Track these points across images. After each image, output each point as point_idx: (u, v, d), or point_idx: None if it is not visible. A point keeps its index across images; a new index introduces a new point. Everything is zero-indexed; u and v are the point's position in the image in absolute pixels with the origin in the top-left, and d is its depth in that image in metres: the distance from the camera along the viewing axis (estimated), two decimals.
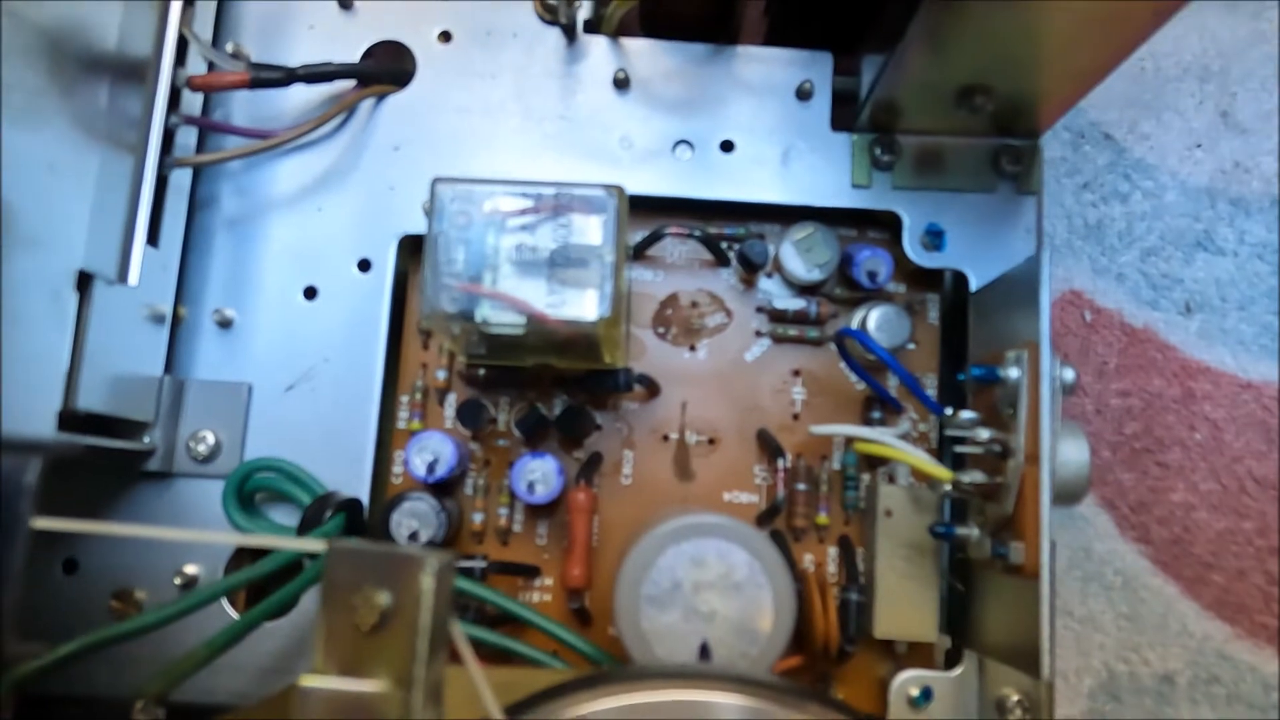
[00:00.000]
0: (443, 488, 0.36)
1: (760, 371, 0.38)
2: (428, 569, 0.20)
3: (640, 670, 0.26)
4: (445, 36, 0.38)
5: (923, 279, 0.38)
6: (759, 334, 0.38)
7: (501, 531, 0.37)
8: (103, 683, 0.34)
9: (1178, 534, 0.42)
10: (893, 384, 0.38)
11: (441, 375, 0.38)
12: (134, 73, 0.32)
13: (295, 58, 0.37)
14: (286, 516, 0.35)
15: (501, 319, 0.30)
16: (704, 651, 0.30)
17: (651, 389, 0.37)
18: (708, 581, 0.31)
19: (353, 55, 0.38)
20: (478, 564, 0.35)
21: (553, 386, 0.37)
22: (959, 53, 0.31)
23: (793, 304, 0.38)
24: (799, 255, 0.37)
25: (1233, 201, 0.44)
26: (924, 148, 0.37)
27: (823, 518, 0.37)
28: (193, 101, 0.36)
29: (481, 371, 0.37)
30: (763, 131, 0.37)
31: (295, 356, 0.36)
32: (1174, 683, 0.41)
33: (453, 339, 0.32)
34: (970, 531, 0.33)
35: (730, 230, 0.38)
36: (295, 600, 0.33)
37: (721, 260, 0.38)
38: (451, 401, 0.38)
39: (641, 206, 0.37)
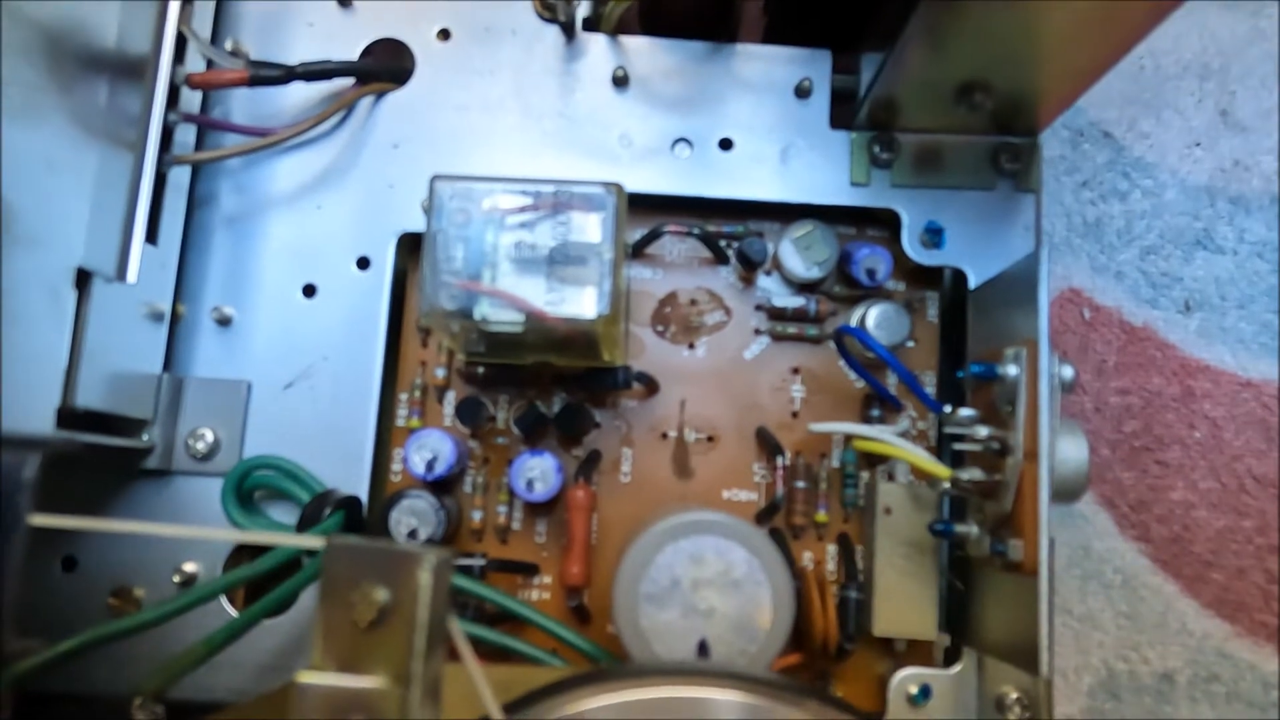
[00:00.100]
0: (442, 485, 0.36)
1: (759, 369, 0.38)
2: (425, 565, 0.20)
3: (639, 668, 0.26)
4: (444, 34, 0.38)
5: (922, 277, 0.38)
6: (758, 332, 0.38)
7: (500, 529, 0.37)
8: (101, 680, 0.34)
9: (1177, 532, 0.42)
10: (892, 381, 0.38)
11: (440, 373, 0.38)
12: (133, 70, 0.32)
13: (294, 55, 0.37)
14: (285, 514, 0.35)
15: (500, 316, 0.30)
16: (702, 649, 0.30)
17: (650, 387, 0.37)
18: (706, 579, 0.31)
19: (352, 53, 0.38)
20: (477, 562, 0.35)
21: (552, 384, 0.37)
22: (958, 50, 0.31)
23: (792, 302, 0.38)
24: (798, 253, 0.37)
25: (1232, 200, 0.44)
26: (923, 145, 0.37)
27: (822, 515, 0.37)
28: (191, 99, 0.36)
29: (480, 369, 0.37)
30: (762, 129, 0.37)
31: (294, 354, 0.36)
32: (1173, 681, 0.41)
33: (452, 337, 0.32)
34: (969, 529, 0.33)
35: (729, 228, 0.38)
36: (294, 597, 0.33)
37: (720, 258, 0.38)
38: (450, 399, 0.38)
39: (640, 204, 0.37)
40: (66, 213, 0.29)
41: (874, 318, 0.36)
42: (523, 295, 0.29)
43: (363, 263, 0.37)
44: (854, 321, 0.37)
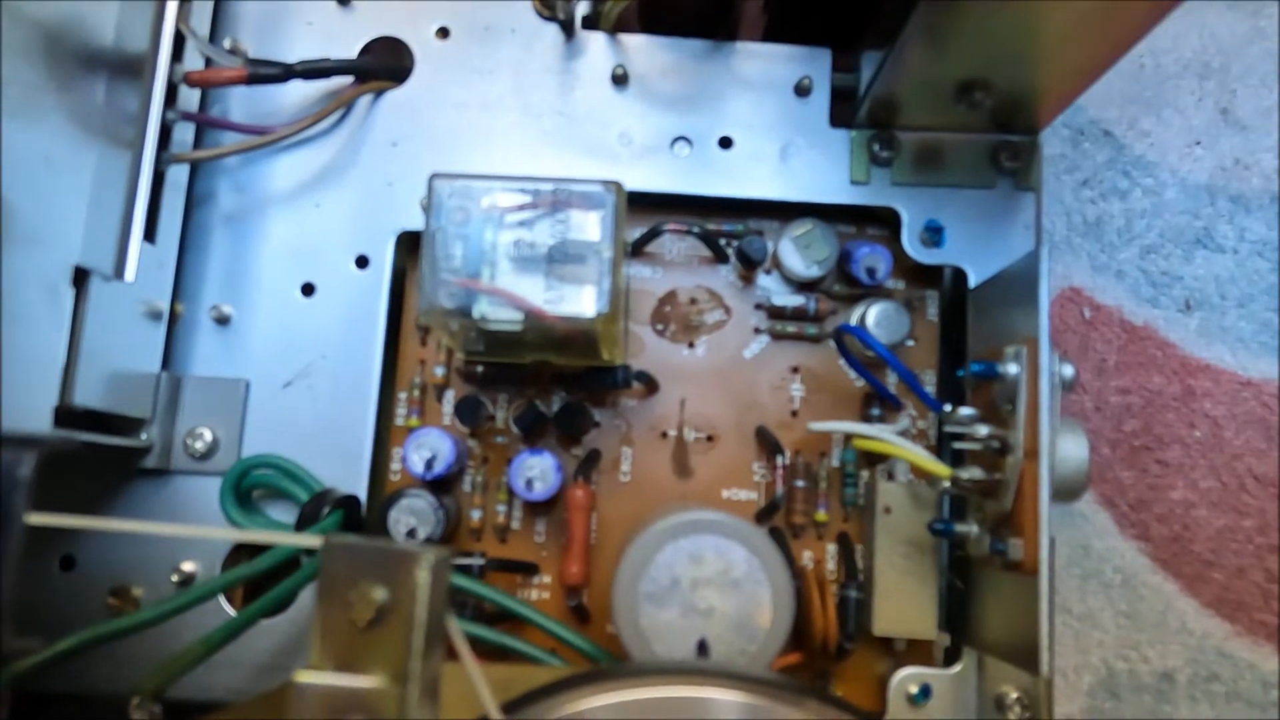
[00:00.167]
0: (441, 485, 0.36)
1: (759, 368, 0.38)
2: (423, 564, 0.20)
3: (638, 667, 0.26)
4: (443, 32, 0.38)
5: (922, 275, 0.38)
6: (758, 331, 0.38)
7: (500, 529, 0.37)
8: (100, 679, 0.33)
9: (1177, 531, 0.42)
10: (892, 380, 0.38)
11: (440, 372, 0.37)
12: (131, 68, 0.32)
13: (293, 54, 0.37)
14: (284, 513, 0.35)
15: (499, 315, 0.30)
16: (702, 648, 0.30)
17: (650, 386, 0.37)
18: (706, 578, 0.31)
19: (350, 51, 0.38)
20: (476, 561, 0.35)
21: (551, 383, 0.37)
22: (958, 48, 0.31)
23: (791, 301, 0.38)
24: (798, 252, 0.37)
25: (1232, 198, 0.44)
26: (923, 144, 0.37)
27: (821, 515, 0.37)
28: (190, 97, 0.36)
29: (480, 368, 0.37)
30: (761, 128, 0.37)
31: (293, 353, 0.36)
32: (1173, 680, 0.41)
33: (451, 335, 0.32)
34: (969, 528, 0.33)
35: (729, 227, 0.38)
36: (292, 597, 0.33)
37: (720, 257, 0.38)
38: (450, 398, 0.38)
39: (640, 203, 0.37)
40: (65, 211, 0.29)
41: (874, 316, 0.36)
42: (522, 294, 0.29)
43: (361, 261, 0.37)
44: (854, 320, 0.37)
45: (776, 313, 0.38)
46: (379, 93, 0.37)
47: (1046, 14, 0.29)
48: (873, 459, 0.37)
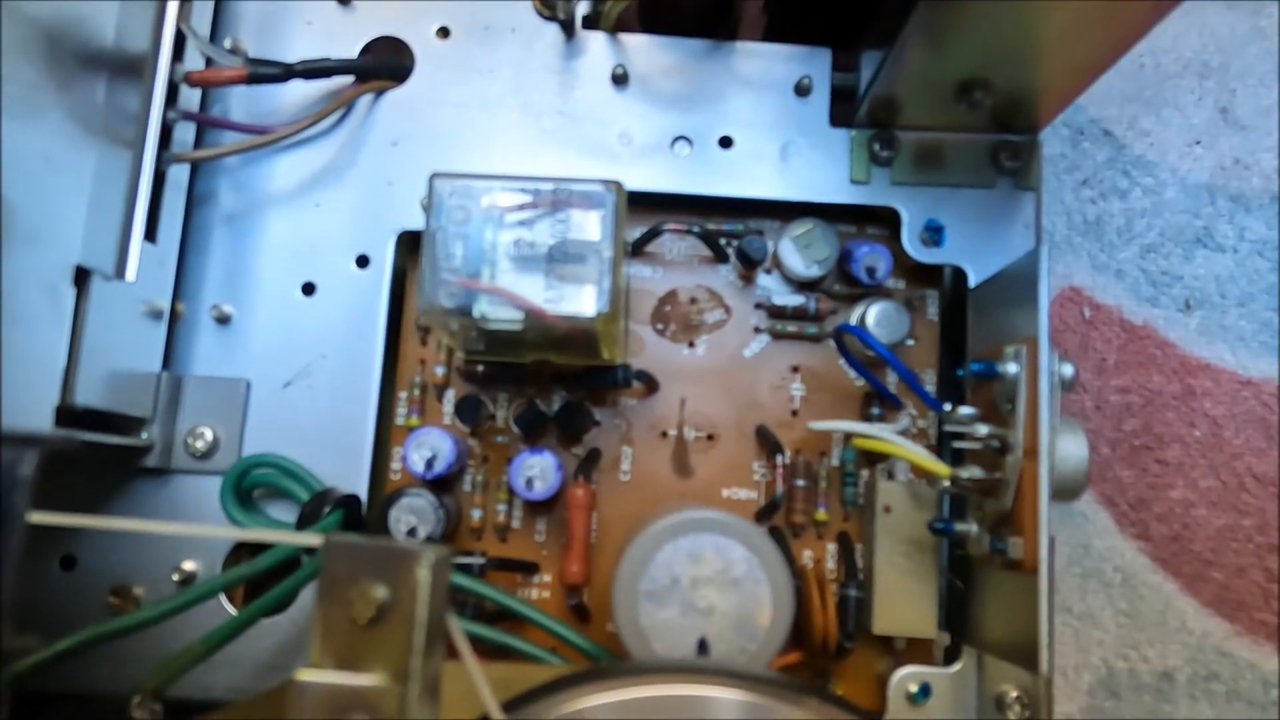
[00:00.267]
0: (441, 484, 0.36)
1: (759, 368, 0.38)
2: (423, 562, 0.20)
3: (638, 666, 0.26)
4: (444, 32, 0.38)
5: (922, 275, 0.38)
6: (758, 330, 0.38)
7: (500, 528, 0.37)
8: (100, 678, 0.34)
9: (1177, 531, 0.42)
10: (892, 380, 0.38)
11: (440, 371, 0.37)
12: (131, 68, 0.32)
13: (293, 53, 0.37)
14: (284, 513, 0.35)
15: (500, 314, 0.30)
16: (702, 647, 0.30)
17: (650, 385, 0.37)
18: (706, 577, 0.31)
19: (351, 51, 0.38)
20: (476, 560, 0.35)
21: (551, 382, 0.37)
22: (957, 48, 0.31)
23: (792, 300, 0.38)
24: (798, 251, 0.37)
25: (1232, 198, 0.44)
26: (923, 143, 0.37)
27: (821, 514, 0.37)
28: (190, 97, 0.36)
29: (480, 367, 0.37)
30: (761, 127, 0.37)
31: (293, 352, 0.36)
32: (1173, 680, 0.41)
33: (451, 335, 0.32)
34: (969, 527, 0.33)
35: (729, 226, 0.38)
36: (293, 596, 0.33)
37: (720, 256, 0.38)
38: (450, 397, 0.38)
39: (640, 202, 0.37)
40: (65, 210, 0.29)
41: (874, 316, 0.36)
42: (522, 293, 0.29)
43: (362, 261, 0.37)
44: (854, 320, 0.37)
45: (777, 312, 0.38)
46: (379, 92, 0.37)
47: (1046, 13, 0.29)
48: (873, 458, 0.37)
